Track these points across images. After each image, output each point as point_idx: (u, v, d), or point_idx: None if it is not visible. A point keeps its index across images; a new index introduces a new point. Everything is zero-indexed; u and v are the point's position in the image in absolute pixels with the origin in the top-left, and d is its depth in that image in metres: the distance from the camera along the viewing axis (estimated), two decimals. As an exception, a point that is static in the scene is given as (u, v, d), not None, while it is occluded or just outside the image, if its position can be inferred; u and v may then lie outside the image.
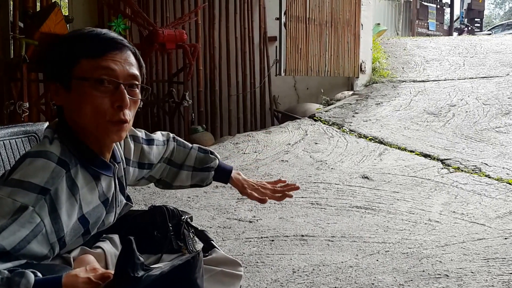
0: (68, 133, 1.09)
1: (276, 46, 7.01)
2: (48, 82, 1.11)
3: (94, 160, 1.11)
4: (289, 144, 5.35)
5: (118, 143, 1.24)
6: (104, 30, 1.12)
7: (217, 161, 1.46)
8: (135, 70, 1.11)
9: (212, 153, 1.47)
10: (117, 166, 1.19)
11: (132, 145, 1.30)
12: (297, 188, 1.52)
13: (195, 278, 0.91)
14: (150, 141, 1.37)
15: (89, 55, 1.07)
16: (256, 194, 1.45)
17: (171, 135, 1.48)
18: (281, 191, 1.49)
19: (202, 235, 1.35)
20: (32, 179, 0.98)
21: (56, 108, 1.13)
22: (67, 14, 7.02)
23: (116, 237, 1.22)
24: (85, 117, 1.07)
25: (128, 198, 1.25)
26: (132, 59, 1.12)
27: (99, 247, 1.17)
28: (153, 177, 1.41)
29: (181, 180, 1.43)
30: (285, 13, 6.61)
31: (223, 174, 1.46)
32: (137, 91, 1.13)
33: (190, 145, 1.48)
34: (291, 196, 1.49)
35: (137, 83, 1.12)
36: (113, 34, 1.12)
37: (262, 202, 1.45)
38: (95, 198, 1.10)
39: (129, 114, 1.10)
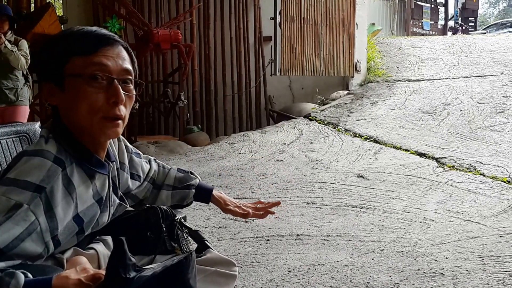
0: (64, 132, 1.08)
1: (271, 46, 7.02)
2: (42, 83, 1.11)
3: (89, 158, 1.10)
4: (285, 143, 5.35)
5: (112, 144, 1.23)
6: (95, 28, 1.11)
7: (198, 180, 1.45)
8: (128, 65, 1.11)
9: (192, 173, 1.46)
10: (111, 165, 1.19)
11: (125, 151, 1.30)
12: (279, 203, 1.52)
13: (188, 279, 0.90)
14: (138, 154, 1.37)
15: (81, 52, 1.06)
16: (238, 210, 1.43)
17: (151, 157, 1.47)
18: (263, 208, 1.48)
19: (196, 235, 1.34)
20: (27, 177, 0.97)
21: (51, 108, 1.13)
22: (61, 14, 6.99)
23: (109, 239, 1.21)
24: (80, 115, 1.06)
25: (121, 199, 1.24)
26: (124, 54, 1.12)
27: (92, 248, 1.16)
28: (137, 197, 1.39)
29: (161, 200, 1.41)
30: (280, 13, 6.62)
31: (204, 193, 1.44)
32: (131, 86, 1.12)
33: (169, 166, 1.47)
34: (273, 213, 1.49)
35: (130, 78, 1.11)
36: (104, 31, 1.11)
37: (245, 217, 1.44)
38: (89, 197, 1.09)
39: (124, 110, 1.09)
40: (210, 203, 1.45)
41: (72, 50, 1.07)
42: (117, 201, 1.22)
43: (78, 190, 1.05)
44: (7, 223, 0.92)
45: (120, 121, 1.09)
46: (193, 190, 1.42)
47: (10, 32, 4.21)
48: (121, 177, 1.27)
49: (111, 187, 1.18)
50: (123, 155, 1.29)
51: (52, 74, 1.08)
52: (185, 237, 1.32)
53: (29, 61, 4.25)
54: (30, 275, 0.89)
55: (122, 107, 1.08)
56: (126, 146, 1.32)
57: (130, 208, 1.33)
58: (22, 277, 0.87)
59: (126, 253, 0.84)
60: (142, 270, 0.86)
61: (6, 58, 4.10)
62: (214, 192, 1.45)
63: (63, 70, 1.06)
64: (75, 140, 1.09)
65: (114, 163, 1.21)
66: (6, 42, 4.07)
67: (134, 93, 1.13)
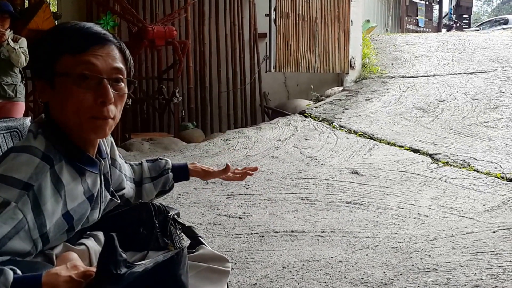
0: (54, 129, 1.07)
1: (266, 43, 7.00)
2: (35, 80, 1.10)
3: (79, 156, 1.09)
4: (280, 140, 5.35)
5: (104, 140, 1.22)
6: (88, 24, 1.09)
7: (169, 162, 1.49)
8: (119, 64, 1.09)
9: (161, 158, 1.50)
10: (103, 162, 1.17)
11: (115, 148, 1.30)
12: (256, 169, 1.60)
13: (179, 275, 0.90)
14: (120, 156, 1.36)
15: (71, 51, 1.05)
16: (218, 172, 1.53)
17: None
18: (241, 171, 1.58)
19: (189, 231, 1.33)
20: (15, 174, 0.96)
21: (43, 104, 1.11)
22: (55, 11, 6.96)
23: (100, 234, 1.20)
24: (68, 114, 1.05)
25: (112, 194, 1.23)
26: (115, 52, 1.09)
27: (83, 244, 1.15)
28: (123, 197, 1.36)
29: (146, 193, 1.43)
30: (274, 10, 6.60)
31: (181, 172, 1.49)
32: (123, 85, 1.10)
33: (137, 162, 1.49)
34: (251, 174, 1.58)
35: (121, 77, 1.09)
36: (97, 28, 1.09)
37: (225, 174, 1.54)
38: (80, 194, 1.08)
39: (113, 110, 1.08)
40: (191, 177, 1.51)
41: (62, 48, 1.05)
42: (109, 197, 1.21)
43: (68, 188, 1.04)
44: (4, 225, 0.91)
45: (109, 121, 1.07)
46: (171, 173, 1.46)
47: (10, 30, 4.21)
48: (113, 173, 1.26)
49: (103, 184, 1.17)
50: (114, 152, 1.28)
51: (43, 71, 1.07)
52: (178, 233, 1.31)
53: (27, 59, 4.28)
54: (19, 271, 0.88)
55: (111, 107, 1.07)
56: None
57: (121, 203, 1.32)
58: (11, 274, 0.86)
59: (116, 249, 0.83)
60: (133, 266, 0.85)
61: (7, 55, 4.13)
62: (190, 166, 1.50)
63: (53, 68, 1.05)
64: (65, 138, 1.07)
65: (106, 159, 1.20)
66: (9, 39, 4.11)
67: (126, 91, 1.11)
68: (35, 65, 1.10)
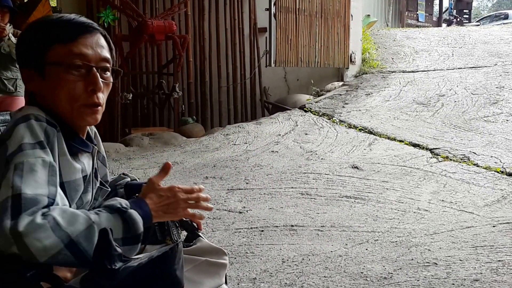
0: (46, 112, 1.09)
1: (266, 37, 6.99)
2: (21, 69, 1.13)
3: (73, 137, 1.13)
4: (279, 135, 5.34)
5: (90, 130, 1.24)
6: (73, 15, 1.14)
7: (128, 180, 1.40)
8: (106, 53, 1.14)
9: (124, 174, 1.44)
10: (95, 148, 1.20)
11: (101, 143, 1.31)
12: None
13: (174, 270, 0.89)
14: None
15: (61, 40, 1.09)
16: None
17: None
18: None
19: (186, 225, 1.33)
20: (32, 139, 0.99)
21: (28, 94, 1.14)
22: (55, 5, 6.93)
23: None
24: (60, 102, 1.09)
25: (101, 183, 1.25)
26: (102, 41, 1.14)
27: None
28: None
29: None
30: (275, 4, 6.58)
31: (135, 189, 1.36)
32: (109, 74, 1.15)
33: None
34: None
35: (108, 66, 1.14)
36: (83, 19, 1.13)
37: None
38: (75, 171, 1.10)
39: (102, 98, 1.13)
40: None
41: (53, 38, 1.09)
42: (98, 184, 1.23)
43: (63, 159, 1.07)
44: (51, 178, 0.98)
45: (99, 108, 1.12)
46: (121, 190, 1.37)
47: (10, 24, 4.19)
48: (99, 164, 1.28)
49: (94, 169, 1.20)
50: (99, 144, 1.30)
51: (33, 61, 1.10)
52: (176, 226, 1.31)
53: None
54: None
55: (100, 94, 1.12)
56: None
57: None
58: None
59: (111, 243, 0.83)
60: (128, 260, 0.85)
61: (8, 50, 4.11)
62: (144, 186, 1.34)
63: (44, 58, 1.09)
64: (58, 119, 1.10)
65: (96, 147, 1.23)
66: (10, 35, 4.09)
67: (112, 80, 1.16)
68: (24, 54, 1.12)
